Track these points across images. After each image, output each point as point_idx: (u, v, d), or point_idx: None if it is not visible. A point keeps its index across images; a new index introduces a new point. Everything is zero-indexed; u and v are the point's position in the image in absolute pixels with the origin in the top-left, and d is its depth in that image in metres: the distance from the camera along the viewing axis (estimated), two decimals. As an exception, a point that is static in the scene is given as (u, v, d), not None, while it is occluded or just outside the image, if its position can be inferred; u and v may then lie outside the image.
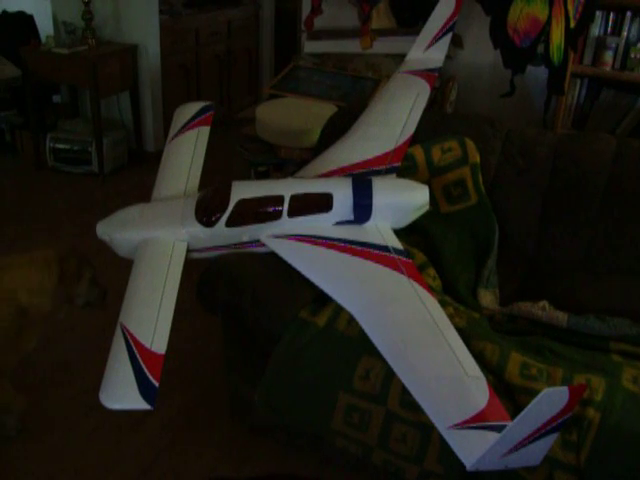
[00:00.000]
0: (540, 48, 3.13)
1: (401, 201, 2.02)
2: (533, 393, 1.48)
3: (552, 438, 1.41)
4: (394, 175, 2.18)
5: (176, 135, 2.35)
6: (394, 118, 2.31)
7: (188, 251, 1.97)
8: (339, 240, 1.92)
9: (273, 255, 1.95)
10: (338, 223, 1.98)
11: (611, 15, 3.38)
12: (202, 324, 2.77)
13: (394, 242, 1.95)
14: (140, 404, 1.53)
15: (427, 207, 2.06)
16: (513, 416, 1.38)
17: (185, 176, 2.19)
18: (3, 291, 1.96)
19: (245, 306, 1.95)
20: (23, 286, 1.97)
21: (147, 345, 1.64)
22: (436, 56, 2.50)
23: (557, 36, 3.08)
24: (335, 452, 2.00)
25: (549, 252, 2.41)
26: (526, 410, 1.33)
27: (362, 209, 1.96)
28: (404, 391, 1.67)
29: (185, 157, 2.26)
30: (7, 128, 4.58)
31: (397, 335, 1.69)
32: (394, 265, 1.86)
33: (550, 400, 1.33)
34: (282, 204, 1.94)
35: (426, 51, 2.52)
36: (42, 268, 2.01)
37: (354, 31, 3.75)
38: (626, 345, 1.95)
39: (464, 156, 2.42)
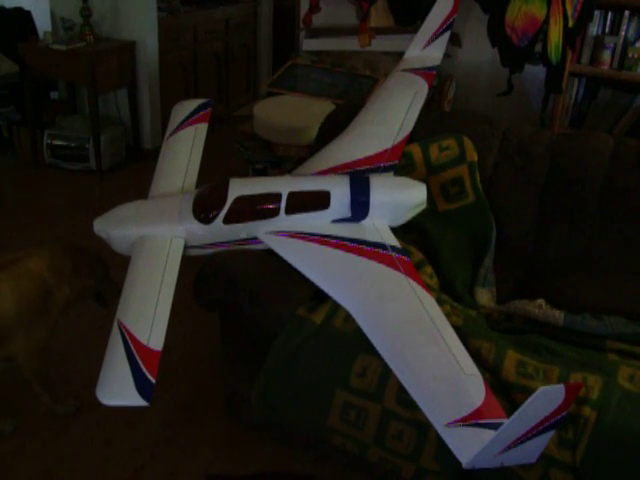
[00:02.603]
0: (538, 47, 3.14)
1: (398, 199, 2.02)
2: (529, 391, 1.48)
3: (548, 436, 1.42)
4: (392, 173, 2.18)
5: (174, 132, 2.35)
6: (392, 116, 2.32)
7: (185, 248, 1.97)
8: (336, 238, 1.92)
9: (270, 252, 1.95)
10: (335, 221, 1.98)
11: (609, 14, 3.38)
12: (199, 321, 2.78)
13: (391, 240, 1.95)
14: (137, 401, 1.53)
15: (424, 205, 2.06)
16: (509, 414, 1.38)
17: (183, 173, 2.19)
18: (33, 273, 2.04)
19: (242, 303, 1.95)
20: (49, 269, 2.07)
21: (144, 341, 1.64)
22: (434, 54, 2.51)
23: (555, 35, 3.08)
24: (331, 450, 2.00)
25: (546, 250, 2.42)
26: (522, 408, 1.33)
27: (359, 207, 1.96)
28: (400, 389, 1.67)
29: (183, 154, 2.26)
30: (4, 124, 4.57)
31: (394, 333, 1.69)
32: (391, 263, 1.87)
33: (546, 398, 1.33)
34: (279, 201, 1.94)
35: (424, 49, 2.52)
36: (60, 256, 2.11)
37: (352, 29, 3.75)
38: (622, 344, 1.95)
39: (462, 154, 2.42)
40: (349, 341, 1.81)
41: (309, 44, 3.93)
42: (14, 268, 2.02)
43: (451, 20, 2.50)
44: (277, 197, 1.94)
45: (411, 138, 2.32)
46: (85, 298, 2.25)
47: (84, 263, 2.17)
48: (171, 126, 2.38)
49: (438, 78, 3.66)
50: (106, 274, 2.25)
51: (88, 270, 2.18)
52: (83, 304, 2.29)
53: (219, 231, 1.96)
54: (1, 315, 1.98)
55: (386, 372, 1.72)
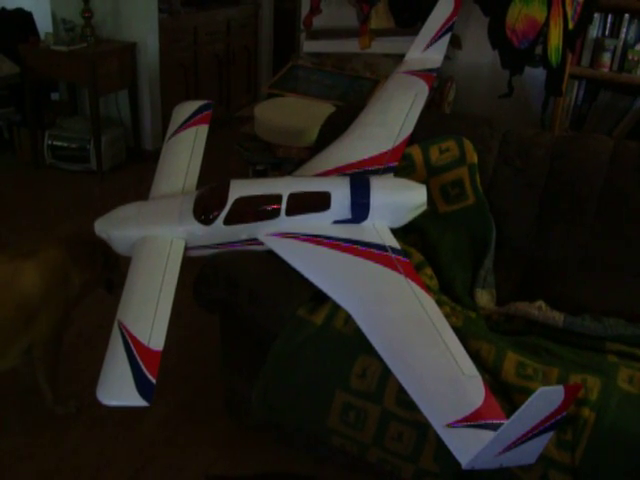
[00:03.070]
0: (538, 49, 3.14)
1: (399, 200, 2.02)
2: (529, 392, 1.48)
3: (547, 437, 1.42)
4: (392, 174, 2.18)
5: (174, 133, 2.35)
6: (392, 118, 2.32)
7: (186, 249, 1.97)
8: (337, 239, 1.93)
9: (271, 253, 1.96)
10: (336, 222, 1.98)
11: (609, 17, 3.39)
12: (199, 322, 2.78)
13: (392, 241, 1.96)
14: (137, 401, 1.53)
15: (425, 207, 2.06)
16: (509, 415, 1.39)
17: (183, 174, 2.19)
18: (56, 260, 2.13)
19: (242, 304, 1.95)
20: (69, 257, 2.16)
21: (144, 342, 1.64)
22: (435, 56, 2.51)
23: (555, 37, 3.08)
24: (331, 450, 2.00)
25: (546, 252, 2.42)
26: (521, 409, 1.33)
27: (360, 208, 1.96)
28: (400, 390, 1.67)
29: (183, 155, 2.26)
30: (5, 125, 4.57)
31: (394, 334, 1.70)
32: (391, 264, 1.87)
33: (545, 399, 1.33)
34: (280, 203, 1.94)
35: (425, 51, 2.52)
36: (79, 246, 2.21)
37: (353, 31, 3.75)
38: (622, 345, 1.95)
39: (462, 156, 2.43)
40: (349, 342, 1.82)
41: (310, 46, 3.94)
42: (39, 255, 2.11)
43: (452, 22, 2.50)
44: (278, 198, 1.95)
45: (411, 140, 2.32)
46: (98, 285, 2.33)
47: (99, 252, 2.25)
48: (172, 127, 2.38)
49: (438, 80, 3.66)
50: (116, 262, 2.31)
51: (102, 259, 2.25)
52: (95, 292, 2.35)
53: (220, 232, 1.96)
54: (29, 296, 2.05)
55: (386, 373, 1.72)
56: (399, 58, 2.60)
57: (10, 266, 2.06)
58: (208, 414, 2.40)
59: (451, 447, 1.45)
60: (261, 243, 1.98)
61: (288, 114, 3.24)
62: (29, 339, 2.11)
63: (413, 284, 1.81)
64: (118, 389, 1.56)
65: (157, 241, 1.95)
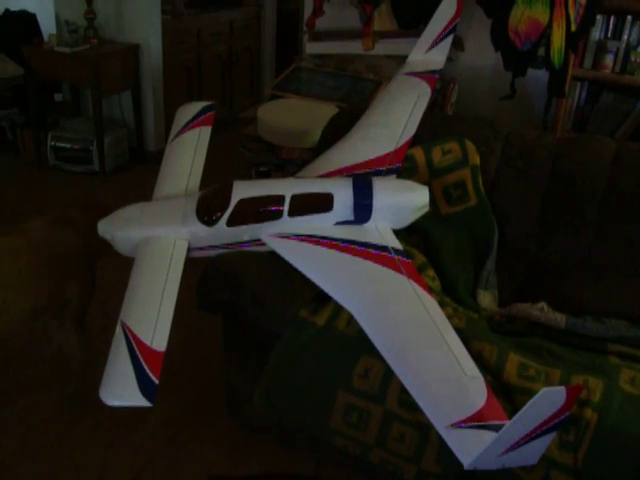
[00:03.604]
0: (541, 51, 3.15)
1: (401, 202, 2.02)
2: (531, 393, 1.49)
3: (549, 438, 1.42)
4: (394, 176, 2.19)
5: (178, 134, 2.35)
6: (395, 119, 2.32)
7: (189, 250, 1.98)
8: (339, 240, 1.93)
9: (273, 254, 1.96)
10: (338, 223, 1.98)
11: (612, 19, 3.39)
12: (202, 322, 2.78)
13: (394, 242, 1.96)
14: (140, 401, 1.54)
15: (427, 208, 2.06)
16: (511, 416, 1.39)
17: (186, 175, 2.20)
18: (90, 225, 2.21)
19: (245, 305, 1.96)
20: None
21: (147, 342, 1.64)
22: (437, 58, 2.51)
23: (558, 39, 3.09)
24: (333, 451, 2.00)
25: (548, 253, 2.42)
26: (523, 410, 1.33)
27: (362, 209, 1.97)
28: (403, 391, 1.67)
29: (186, 156, 2.26)
30: (9, 126, 4.59)
31: (396, 335, 1.70)
32: (394, 265, 1.87)
33: (547, 400, 1.33)
34: (283, 204, 1.94)
35: (427, 53, 2.52)
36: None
37: (356, 32, 3.76)
38: (623, 347, 1.95)
39: (464, 158, 2.43)
40: (351, 343, 1.82)
41: (313, 47, 3.94)
42: (77, 219, 2.27)
43: (454, 24, 2.50)
44: (280, 199, 1.95)
45: (414, 141, 2.32)
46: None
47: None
48: (175, 128, 2.39)
49: (441, 81, 3.66)
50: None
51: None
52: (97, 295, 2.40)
53: (222, 233, 1.97)
54: (68, 253, 2.20)
55: (388, 374, 1.72)
56: (402, 60, 2.60)
57: (52, 227, 2.22)
58: (210, 414, 2.40)
59: (453, 448, 1.45)
60: (264, 244, 1.98)
61: (291, 115, 3.24)
62: (66, 294, 2.24)
63: (415, 285, 1.81)
64: (121, 389, 1.56)
65: (160, 242, 1.95)
